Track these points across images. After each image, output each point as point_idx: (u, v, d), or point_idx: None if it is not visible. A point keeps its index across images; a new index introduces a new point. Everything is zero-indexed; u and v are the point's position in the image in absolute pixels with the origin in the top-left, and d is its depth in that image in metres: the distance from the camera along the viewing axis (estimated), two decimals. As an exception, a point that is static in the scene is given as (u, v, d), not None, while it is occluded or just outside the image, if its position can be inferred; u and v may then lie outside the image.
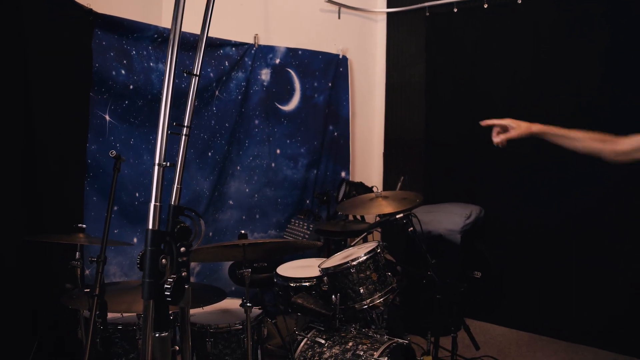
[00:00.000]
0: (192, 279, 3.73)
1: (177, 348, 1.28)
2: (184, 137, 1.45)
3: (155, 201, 1.19)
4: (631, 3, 3.69)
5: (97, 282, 1.97)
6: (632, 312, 3.80)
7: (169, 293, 1.09)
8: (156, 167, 1.20)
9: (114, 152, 2.12)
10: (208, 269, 3.84)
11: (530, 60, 4.19)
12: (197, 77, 1.42)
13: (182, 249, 1.33)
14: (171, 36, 1.21)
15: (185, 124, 1.46)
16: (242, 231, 2.27)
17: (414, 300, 3.85)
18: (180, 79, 3.57)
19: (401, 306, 3.91)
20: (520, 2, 4.13)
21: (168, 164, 1.22)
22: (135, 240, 3.38)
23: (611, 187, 3.81)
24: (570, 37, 3.99)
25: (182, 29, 3.14)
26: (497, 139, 2.23)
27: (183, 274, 1.31)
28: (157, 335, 1.08)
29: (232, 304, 2.86)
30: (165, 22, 3.59)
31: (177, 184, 1.45)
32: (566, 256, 4.06)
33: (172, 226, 1.34)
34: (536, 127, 2.20)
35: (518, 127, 2.20)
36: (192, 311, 2.70)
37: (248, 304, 2.25)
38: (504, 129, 2.28)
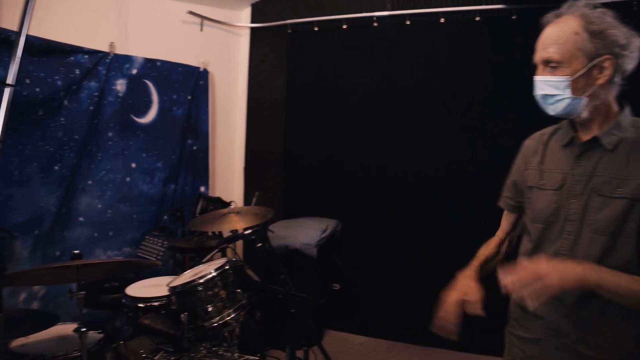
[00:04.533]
0: (35, 304, 3.45)
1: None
2: (-4, 152, 1.34)
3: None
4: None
5: None
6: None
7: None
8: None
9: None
10: (54, 292, 3.56)
11: (383, 78, 4.43)
12: (11, 88, 1.29)
13: (-8, 274, 1.22)
14: None
15: (-2, 139, 1.35)
16: (76, 251, 2.14)
17: (273, 316, 3.87)
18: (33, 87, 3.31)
19: (262, 321, 3.90)
20: (376, 24, 4.36)
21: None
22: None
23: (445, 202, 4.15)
24: (414, 57, 4.31)
25: (30, 32, 2.92)
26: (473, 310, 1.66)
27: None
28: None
29: (72, 330, 2.68)
30: (5, 23, 3.29)
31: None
32: (415, 266, 4.32)
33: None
34: (475, 278, 1.76)
35: (471, 291, 1.70)
36: (23, 340, 2.50)
37: (83, 329, 2.12)
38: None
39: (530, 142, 1.82)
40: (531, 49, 1.63)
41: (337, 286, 4.34)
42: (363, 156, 4.53)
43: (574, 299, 1.54)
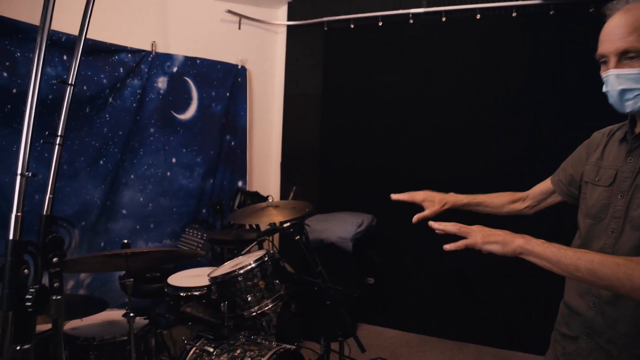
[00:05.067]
0: (82, 291, 3.61)
1: None
2: (57, 146, 1.44)
3: (17, 211, 1.18)
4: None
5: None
6: (505, 311, 4.18)
7: (30, 304, 1.09)
8: (18, 177, 1.19)
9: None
10: (99, 280, 3.72)
11: (418, 75, 4.45)
12: (72, 87, 1.39)
13: (55, 259, 1.32)
14: (39, 38, 1.20)
15: (59, 134, 1.45)
16: (125, 241, 2.25)
17: (308, 307, 3.95)
18: (81, 85, 3.47)
19: (297, 313, 3.99)
20: (411, 21, 4.39)
21: (30, 174, 1.22)
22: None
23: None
24: (451, 53, 4.32)
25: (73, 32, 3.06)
26: (414, 218, 1.97)
27: (55, 284, 1.30)
28: (18, 348, 1.06)
29: (119, 315, 2.81)
30: (55, 24, 3.45)
31: (50, 194, 1.43)
32: (449, 263, 4.35)
33: (44, 236, 1.33)
34: (451, 199, 2.04)
35: (432, 204, 2.03)
36: (76, 323, 2.64)
37: (131, 314, 2.23)
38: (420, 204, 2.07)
39: (597, 135, 1.77)
40: (570, 46, 1.62)
41: (371, 280, 4.39)
42: (398, 154, 4.56)
43: (609, 295, 1.52)
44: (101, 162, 3.73)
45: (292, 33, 5.14)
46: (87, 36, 3.40)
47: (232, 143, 4.64)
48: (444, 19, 4.25)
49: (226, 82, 4.54)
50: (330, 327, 3.39)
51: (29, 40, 3.25)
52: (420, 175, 4.45)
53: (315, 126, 4.98)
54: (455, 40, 4.28)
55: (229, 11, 4.62)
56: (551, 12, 3.86)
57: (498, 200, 2.02)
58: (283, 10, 5.14)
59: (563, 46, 3.85)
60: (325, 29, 4.80)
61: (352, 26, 4.65)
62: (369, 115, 4.68)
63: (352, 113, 4.77)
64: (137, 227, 3.99)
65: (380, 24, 4.51)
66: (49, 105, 3.01)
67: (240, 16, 4.71)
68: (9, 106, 3.16)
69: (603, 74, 1.50)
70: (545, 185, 1.95)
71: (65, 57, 3.40)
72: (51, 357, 1.21)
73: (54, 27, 3.35)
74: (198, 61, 4.31)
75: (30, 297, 1.08)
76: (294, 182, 4.68)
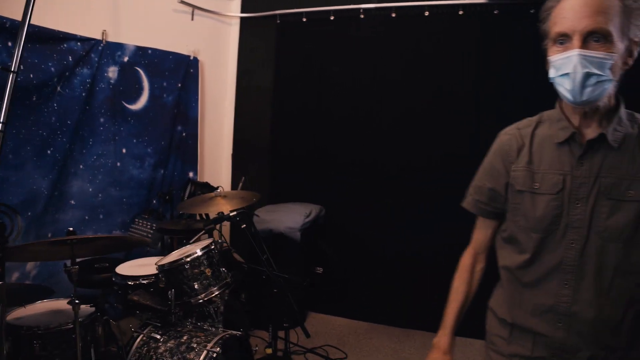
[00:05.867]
0: (27, 282, 3.57)
1: None
2: (-1, 134, 1.47)
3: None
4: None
5: None
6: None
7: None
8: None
9: None
10: (46, 272, 3.68)
11: (370, 70, 4.56)
12: (15, 74, 1.41)
13: (-5, 245, 1.35)
14: None
15: (1, 121, 1.47)
16: (70, 228, 2.27)
17: (257, 297, 4.01)
18: (27, 73, 3.41)
19: (247, 302, 4.05)
20: (362, 17, 4.48)
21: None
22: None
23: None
24: (401, 49, 4.44)
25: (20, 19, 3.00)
26: None
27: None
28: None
29: (65, 304, 2.81)
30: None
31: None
32: (396, 252, 4.49)
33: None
34: (447, 342, 1.72)
35: None
36: (20, 313, 2.63)
37: (76, 301, 2.26)
38: None
39: (507, 139, 1.59)
40: (513, 43, 1.60)
41: (320, 270, 4.48)
42: (349, 145, 4.67)
43: (587, 315, 1.40)
44: (49, 151, 3.68)
45: (245, 25, 5.17)
46: (34, 22, 3.39)
47: (184, 134, 4.65)
48: (394, 15, 4.37)
49: (178, 73, 4.53)
50: (278, 315, 3.48)
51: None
52: (370, 166, 4.58)
53: (267, 118, 5.03)
54: (406, 36, 4.41)
55: (182, 1, 4.60)
56: (495, 12, 4.03)
57: (466, 288, 1.77)
58: (237, 3, 5.16)
59: (506, 44, 4.03)
60: (278, 22, 4.85)
61: (304, 20, 4.71)
62: (320, 108, 4.77)
63: (304, 105, 4.85)
64: (86, 217, 3.96)
65: (332, 18, 4.58)
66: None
67: (194, 7, 4.71)
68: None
69: (560, 55, 1.35)
70: (479, 226, 1.73)
71: (10, 44, 3.35)
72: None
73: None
74: (150, 51, 4.30)
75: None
76: (244, 173, 4.72)
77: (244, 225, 2.64)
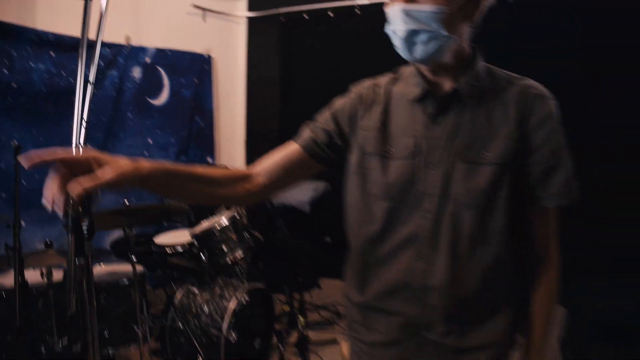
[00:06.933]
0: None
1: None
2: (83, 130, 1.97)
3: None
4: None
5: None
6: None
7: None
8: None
9: (15, 141, 2.56)
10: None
11: (369, 62, 5.00)
12: (92, 85, 1.84)
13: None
14: (80, 50, 1.60)
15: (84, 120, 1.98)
16: (126, 201, 2.84)
17: (274, 264, 4.53)
18: (59, 77, 3.96)
19: (264, 271, 4.56)
20: (359, 12, 4.91)
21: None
22: (23, 223, 3.74)
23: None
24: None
25: (59, 32, 3.65)
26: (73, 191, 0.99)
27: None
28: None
29: (117, 267, 3.28)
30: (40, 24, 3.91)
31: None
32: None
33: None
34: (146, 169, 1.15)
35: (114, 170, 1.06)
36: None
37: (134, 260, 2.80)
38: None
39: (365, 90, 1.41)
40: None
41: (329, 239, 4.97)
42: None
43: (448, 291, 1.26)
44: (89, 146, 4.21)
45: (252, 24, 5.59)
46: (73, 34, 3.90)
47: (201, 124, 5.18)
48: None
49: (194, 70, 5.06)
50: (294, 278, 3.98)
51: (21, 41, 3.74)
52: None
53: (275, 107, 5.49)
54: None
55: (195, 5, 5.07)
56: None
57: (207, 172, 1.34)
58: (243, 2, 5.58)
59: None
60: (282, 19, 5.28)
61: (305, 16, 5.11)
62: (324, 97, 5.17)
63: (309, 95, 5.30)
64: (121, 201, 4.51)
65: (331, 14, 4.96)
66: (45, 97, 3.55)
67: (205, 10, 5.17)
68: (10, 99, 3.66)
69: (386, 10, 1.24)
70: (284, 149, 1.49)
71: (52, 54, 3.91)
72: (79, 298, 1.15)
73: (40, 26, 3.85)
74: (168, 52, 4.82)
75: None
76: (257, 157, 5.18)
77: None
